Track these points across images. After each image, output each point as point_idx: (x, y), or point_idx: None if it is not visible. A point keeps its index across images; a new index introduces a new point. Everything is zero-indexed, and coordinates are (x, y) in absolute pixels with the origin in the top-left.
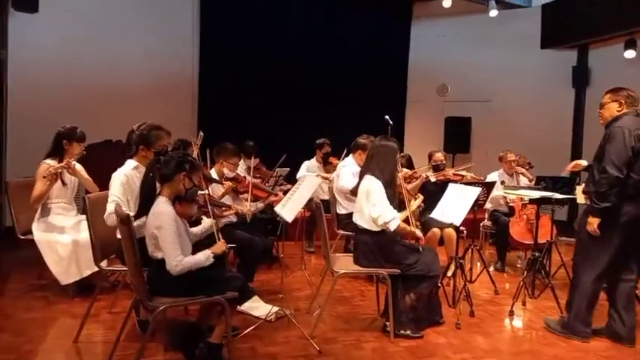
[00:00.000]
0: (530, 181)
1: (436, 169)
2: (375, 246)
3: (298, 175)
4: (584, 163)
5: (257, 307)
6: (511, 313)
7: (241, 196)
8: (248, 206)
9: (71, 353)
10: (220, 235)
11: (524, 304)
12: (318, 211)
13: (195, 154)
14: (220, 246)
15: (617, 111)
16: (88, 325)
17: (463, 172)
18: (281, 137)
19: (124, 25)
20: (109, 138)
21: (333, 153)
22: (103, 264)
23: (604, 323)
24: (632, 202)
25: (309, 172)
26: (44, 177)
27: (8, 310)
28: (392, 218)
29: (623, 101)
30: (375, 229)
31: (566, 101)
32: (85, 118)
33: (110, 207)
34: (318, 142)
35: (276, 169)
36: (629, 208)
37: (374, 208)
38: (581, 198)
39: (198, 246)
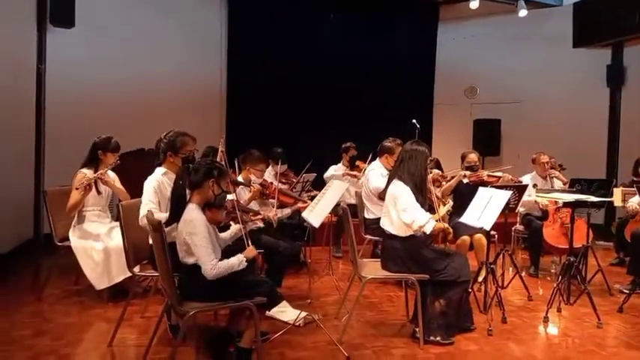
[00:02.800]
0: (564, 184)
1: (470, 170)
2: (403, 251)
3: (325, 176)
4: None
5: (285, 312)
6: (545, 320)
7: (268, 201)
8: (274, 212)
9: (106, 356)
10: (250, 241)
11: (559, 310)
12: (346, 215)
13: (222, 161)
14: (251, 251)
15: None
16: (121, 329)
17: (499, 174)
18: (308, 143)
19: (156, 40)
20: (142, 147)
21: (360, 157)
22: (136, 269)
23: None
24: None
25: (335, 172)
26: (77, 188)
27: (47, 315)
28: (426, 221)
29: None
30: (404, 234)
31: (600, 101)
32: (119, 130)
33: (143, 210)
34: (344, 146)
35: (303, 175)
36: None
37: (404, 213)
38: (618, 201)
39: (228, 253)
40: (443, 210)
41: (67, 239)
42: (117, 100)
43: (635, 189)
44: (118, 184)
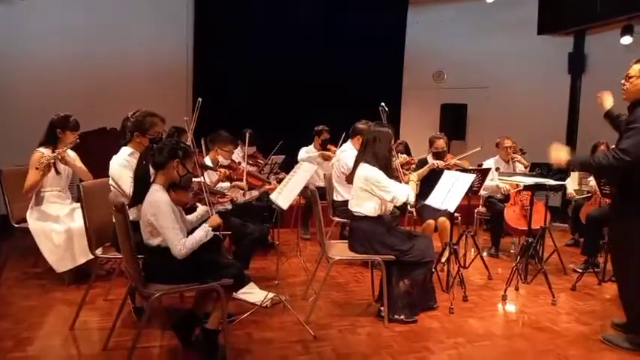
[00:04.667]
0: (525, 167)
1: (437, 155)
2: (370, 233)
3: (299, 158)
4: (608, 99)
5: (253, 294)
6: (504, 298)
7: (235, 183)
8: (241, 193)
9: (68, 340)
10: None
11: (517, 289)
12: (314, 198)
13: (189, 142)
14: (215, 219)
15: None
16: (83, 312)
17: (465, 164)
18: (278, 125)
19: (117, 12)
20: (104, 126)
21: (331, 140)
22: (98, 252)
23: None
24: None
25: (307, 154)
26: (36, 168)
27: (7, 299)
28: (407, 193)
29: None
30: (372, 215)
31: (562, 88)
32: (79, 107)
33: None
34: (316, 128)
35: (272, 157)
36: None
37: (385, 193)
38: (575, 184)
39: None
40: (415, 175)
41: (25, 221)
42: (77, 76)
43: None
44: (78, 163)
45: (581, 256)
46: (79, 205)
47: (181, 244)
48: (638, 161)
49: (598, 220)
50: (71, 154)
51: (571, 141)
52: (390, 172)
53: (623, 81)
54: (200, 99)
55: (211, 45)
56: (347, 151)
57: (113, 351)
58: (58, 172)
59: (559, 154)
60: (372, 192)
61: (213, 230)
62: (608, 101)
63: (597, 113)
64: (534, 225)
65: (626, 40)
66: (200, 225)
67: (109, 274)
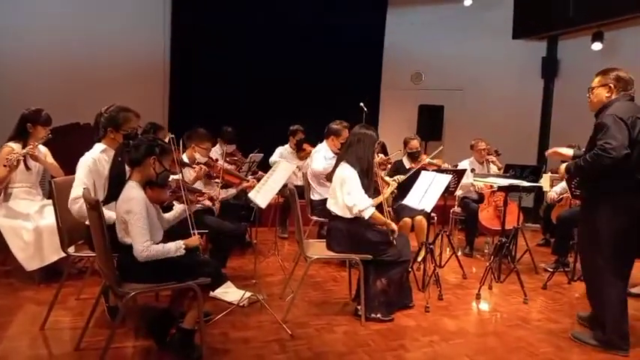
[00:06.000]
0: (499, 169)
1: (411, 156)
2: (348, 232)
3: (271, 160)
4: (567, 152)
5: (229, 293)
6: (478, 297)
7: (213, 181)
8: (218, 192)
9: (38, 340)
10: (193, 225)
11: (490, 287)
12: (292, 197)
13: (166, 139)
14: (195, 240)
15: (606, 97)
16: (55, 311)
17: (439, 162)
18: (254, 123)
19: (93, 4)
20: (77, 121)
21: (307, 140)
22: (71, 250)
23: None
24: (634, 198)
25: (282, 157)
26: (5, 165)
27: None
28: (366, 207)
29: (612, 85)
30: (349, 216)
31: (535, 92)
32: (51, 101)
33: (76, 191)
34: (291, 128)
35: (250, 155)
36: (631, 203)
37: (348, 196)
38: (546, 186)
39: (172, 233)
40: (387, 191)
41: None
42: (49, 67)
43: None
44: (50, 159)
45: (552, 256)
46: (49, 201)
47: (144, 247)
48: (619, 151)
49: (568, 220)
50: (42, 150)
51: (543, 143)
52: (371, 176)
53: (587, 94)
54: (172, 135)
55: (189, 39)
56: (319, 152)
57: (85, 351)
58: (28, 168)
59: (563, 151)
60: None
61: (187, 249)
62: (565, 151)
63: (569, 117)
64: (507, 225)
65: (597, 46)
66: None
67: (82, 273)
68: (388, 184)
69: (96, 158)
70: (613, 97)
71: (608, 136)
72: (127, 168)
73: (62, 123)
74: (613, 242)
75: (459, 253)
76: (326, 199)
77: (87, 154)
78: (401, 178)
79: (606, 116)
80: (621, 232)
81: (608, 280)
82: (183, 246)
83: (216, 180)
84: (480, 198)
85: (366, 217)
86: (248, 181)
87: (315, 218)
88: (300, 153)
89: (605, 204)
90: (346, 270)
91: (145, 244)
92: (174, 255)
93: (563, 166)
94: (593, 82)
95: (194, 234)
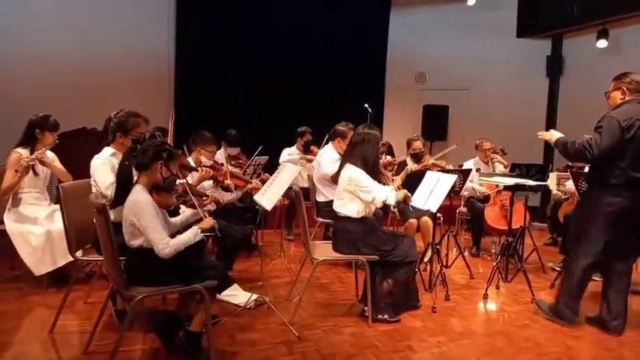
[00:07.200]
0: (505, 167)
1: (415, 157)
2: (354, 233)
3: (281, 160)
4: (554, 135)
5: (236, 295)
6: (485, 297)
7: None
8: (222, 194)
9: (47, 344)
10: (207, 214)
11: (497, 287)
12: (298, 199)
13: (170, 142)
14: (209, 221)
15: (620, 99)
16: (63, 315)
17: (443, 163)
18: (260, 126)
19: (97, 8)
20: (84, 126)
21: (313, 142)
22: (78, 254)
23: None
24: (619, 193)
25: (290, 156)
26: (15, 170)
27: None
28: (387, 195)
29: (625, 88)
30: (356, 216)
31: (540, 90)
32: (59, 106)
33: (110, 190)
34: (299, 130)
35: (255, 158)
36: (616, 199)
37: (365, 194)
38: (553, 185)
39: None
40: (403, 175)
41: (2, 222)
42: (57, 74)
43: (568, 173)
44: (57, 164)
45: (560, 255)
46: (58, 206)
47: (164, 243)
48: (598, 155)
49: None
50: (50, 155)
51: (548, 143)
52: (376, 175)
53: (606, 99)
54: (172, 114)
55: (194, 43)
56: (327, 154)
57: (94, 354)
58: (36, 174)
59: (553, 133)
60: (355, 193)
61: (205, 232)
62: (548, 135)
63: (574, 115)
64: (514, 225)
65: (602, 43)
66: (187, 228)
67: (89, 276)
68: (393, 180)
69: (109, 159)
70: (626, 99)
71: (597, 137)
72: (135, 172)
73: (69, 128)
74: (593, 227)
75: (466, 253)
76: (332, 201)
77: (97, 156)
78: (413, 167)
79: (607, 117)
80: (603, 221)
81: (577, 255)
82: (200, 230)
83: (223, 183)
84: (486, 198)
85: (393, 203)
86: (251, 183)
87: (320, 220)
88: (308, 155)
89: (598, 195)
90: (352, 271)
91: (164, 242)
92: (194, 241)
93: (555, 135)
94: (610, 87)
95: (205, 216)
